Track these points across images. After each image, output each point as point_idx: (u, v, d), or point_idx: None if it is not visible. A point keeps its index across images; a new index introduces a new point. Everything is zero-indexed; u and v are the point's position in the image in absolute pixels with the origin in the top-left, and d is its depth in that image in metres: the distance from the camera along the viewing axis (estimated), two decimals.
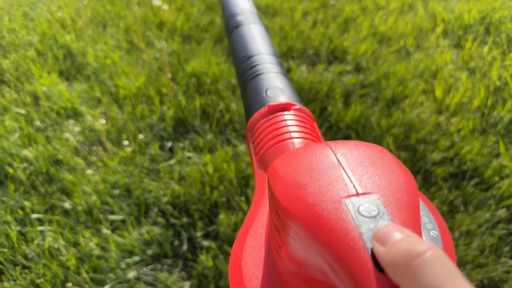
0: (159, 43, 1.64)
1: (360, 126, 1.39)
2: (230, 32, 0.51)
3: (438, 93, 1.55)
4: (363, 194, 0.19)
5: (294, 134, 0.33)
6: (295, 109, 0.36)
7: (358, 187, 0.19)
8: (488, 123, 1.41)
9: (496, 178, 1.20)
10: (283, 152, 0.32)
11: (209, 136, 1.28)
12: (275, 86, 0.39)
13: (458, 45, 1.89)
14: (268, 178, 0.23)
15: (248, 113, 0.39)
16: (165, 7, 1.83)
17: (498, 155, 1.28)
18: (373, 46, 1.81)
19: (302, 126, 0.34)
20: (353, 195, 0.19)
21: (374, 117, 1.41)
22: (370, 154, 0.22)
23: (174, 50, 1.59)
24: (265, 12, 2.02)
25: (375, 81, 1.61)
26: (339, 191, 0.19)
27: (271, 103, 0.36)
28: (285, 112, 0.35)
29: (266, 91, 0.38)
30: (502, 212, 1.10)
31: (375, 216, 0.17)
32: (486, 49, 1.80)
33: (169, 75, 1.43)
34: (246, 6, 0.53)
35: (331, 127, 1.39)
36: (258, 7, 2.05)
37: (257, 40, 0.47)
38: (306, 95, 1.53)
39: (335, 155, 0.22)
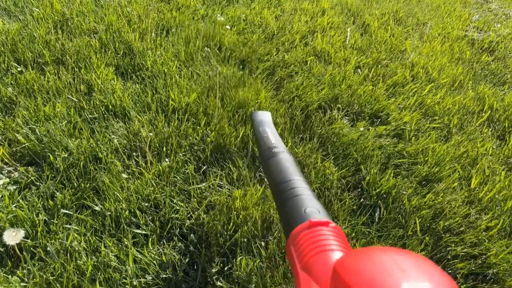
0: (215, 62, 1.67)
1: (391, 198, 1.38)
2: (266, 160, 0.66)
3: (474, 183, 1.53)
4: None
5: (333, 247, 0.42)
6: (331, 226, 0.45)
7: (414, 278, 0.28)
8: None
9: None
10: (327, 260, 0.40)
11: (244, 170, 1.29)
12: (312, 206, 0.49)
13: (502, 137, 1.88)
14: (340, 274, 0.32)
15: (289, 225, 0.48)
16: (228, 27, 1.87)
17: None
18: (417, 117, 1.81)
19: (338, 240, 0.43)
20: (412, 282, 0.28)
21: (406, 193, 1.40)
22: (420, 261, 0.31)
23: (228, 74, 1.61)
24: (319, 57, 2.04)
25: (413, 154, 1.60)
26: (400, 280, 0.28)
27: (312, 219, 0.45)
28: (324, 228, 0.45)
29: (304, 210, 0.49)
30: None
31: None
32: None
33: (219, 99, 1.45)
34: (278, 141, 0.71)
35: (362, 193, 1.38)
36: (313, 50, 2.08)
37: (291, 167, 0.60)
38: (344, 150, 1.53)
39: (393, 260, 0.31)
